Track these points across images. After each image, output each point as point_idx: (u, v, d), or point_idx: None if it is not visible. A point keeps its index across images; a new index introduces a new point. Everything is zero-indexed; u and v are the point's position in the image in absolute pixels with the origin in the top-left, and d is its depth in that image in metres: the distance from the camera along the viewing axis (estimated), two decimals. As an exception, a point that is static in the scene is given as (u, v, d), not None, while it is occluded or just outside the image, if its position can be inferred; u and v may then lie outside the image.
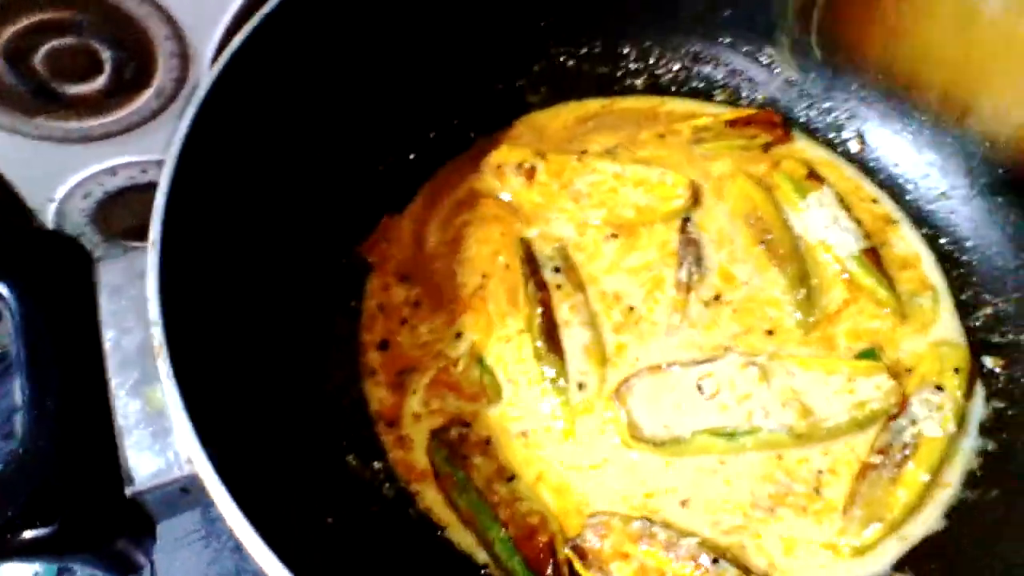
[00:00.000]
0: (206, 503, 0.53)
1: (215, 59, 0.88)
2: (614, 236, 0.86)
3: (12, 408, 1.03)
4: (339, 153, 0.85)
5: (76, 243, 0.58)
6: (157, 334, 0.55)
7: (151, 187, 1.00)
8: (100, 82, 0.86)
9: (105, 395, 0.54)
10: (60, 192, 0.96)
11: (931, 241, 0.86)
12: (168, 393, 0.53)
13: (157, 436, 0.54)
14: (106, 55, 0.84)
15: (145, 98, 0.90)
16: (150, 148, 0.95)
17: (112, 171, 0.96)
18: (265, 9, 0.72)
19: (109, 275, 0.59)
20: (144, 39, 0.85)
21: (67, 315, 0.55)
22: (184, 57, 0.88)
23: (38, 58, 0.82)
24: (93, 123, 0.90)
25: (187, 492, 0.53)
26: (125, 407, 0.54)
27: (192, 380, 0.55)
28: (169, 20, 0.85)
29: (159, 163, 0.97)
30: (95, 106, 0.89)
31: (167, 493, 0.53)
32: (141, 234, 1.06)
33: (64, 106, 0.88)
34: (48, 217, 0.99)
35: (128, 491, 0.52)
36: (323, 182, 0.83)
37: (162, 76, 0.88)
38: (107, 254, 0.84)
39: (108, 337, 0.56)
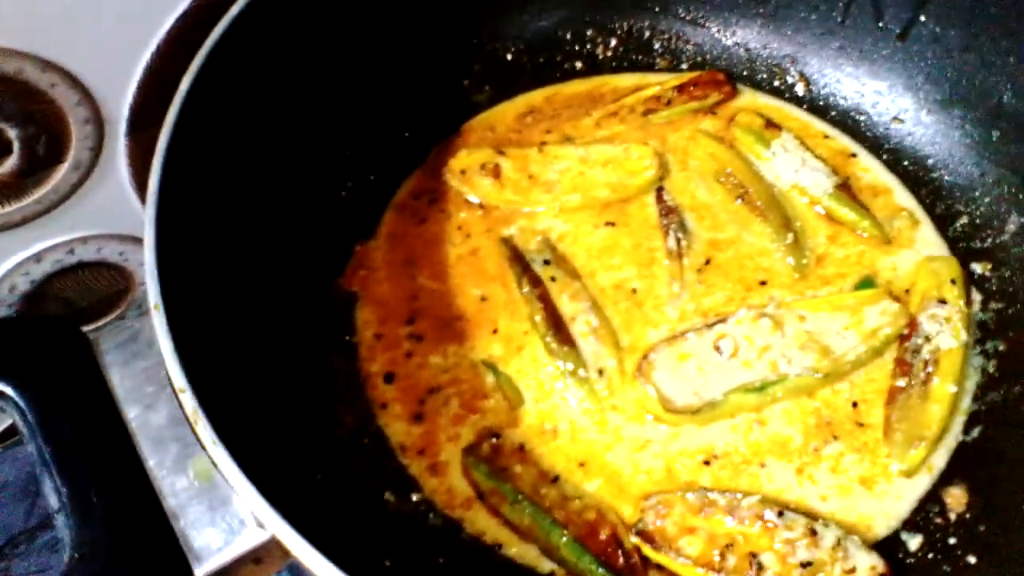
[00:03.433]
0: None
1: (132, 118, 0.83)
2: (594, 219, 0.85)
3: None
4: (300, 187, 0.81)
5: (69, 324, 0.53)
6: (189, 400, 0.50)
7: (79, 268, 0.94)
8: (11, 163, 0.80)
9: (145, 478, 0.49)
10: (-18, 292, 0.89)
11: (893, 166, 0.88)
12: (218, 459, 0.48)
13: (215, 508, 0.49)
14: (13, 133, 0.78)
15: (62, 173, 0.84)
16: (74, 226, 0.89)
17: (37, 257, 0.89)
18: (198, 61, 0.68)
19: (111, 352, 0.54)
20: (53, 109, 0.79)
21: (80, 402, 0.50)
22: (98, 123, 0.83)
23: (-60, 151, 0.76)
24: (10, 208, 0.83)
25: (259, 562, 0.49)
26: (172, 486, 0.49)
27: (233, 440, 0.50)
28: (76, 84, 0.79)
29: (85, 240, 0.91)
30: (10, 190, 0.82)
31: (240, 567, 0.48)
32: (79, 321, 1.00)
33: (-25, 197, 0.81)
34: (-28, 322, 0.91)
35: (200, 574, 0.47)
36: (291, 220, 0.79)
37: (77, 146, 0.83)
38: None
39: (132, 416, 0.51)
